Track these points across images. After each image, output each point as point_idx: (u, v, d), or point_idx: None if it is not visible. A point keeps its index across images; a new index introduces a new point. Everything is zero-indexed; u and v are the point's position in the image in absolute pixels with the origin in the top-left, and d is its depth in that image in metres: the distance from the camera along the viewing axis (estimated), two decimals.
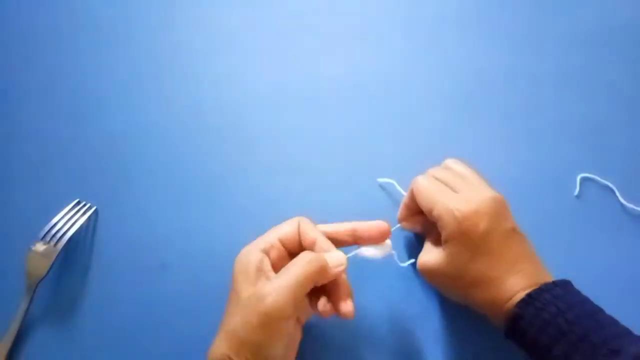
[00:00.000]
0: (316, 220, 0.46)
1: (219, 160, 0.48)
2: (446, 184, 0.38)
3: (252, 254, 0.35)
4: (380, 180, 0.46)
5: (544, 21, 0.54)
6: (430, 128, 0.49)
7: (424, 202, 0.38)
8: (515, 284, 0.34)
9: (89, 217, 0.45)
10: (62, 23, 0.56)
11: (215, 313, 0.42)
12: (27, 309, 0.42)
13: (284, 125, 0.50)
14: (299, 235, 0.36)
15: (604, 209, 0.45)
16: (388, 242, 0.38)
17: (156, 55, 0.54)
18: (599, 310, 0.32)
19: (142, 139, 0.50)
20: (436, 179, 0.39)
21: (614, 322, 0.32)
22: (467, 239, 0.35)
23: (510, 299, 0.34)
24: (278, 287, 0.32)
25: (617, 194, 0.45)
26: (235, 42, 0.54)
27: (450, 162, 0.41)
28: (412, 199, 0.40)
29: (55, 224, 0.44)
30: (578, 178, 0.45)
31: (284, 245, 0.36)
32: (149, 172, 0.48)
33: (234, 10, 0.56)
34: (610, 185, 0.45)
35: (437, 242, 0.38)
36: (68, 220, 0.44)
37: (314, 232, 0.36)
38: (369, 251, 0.38)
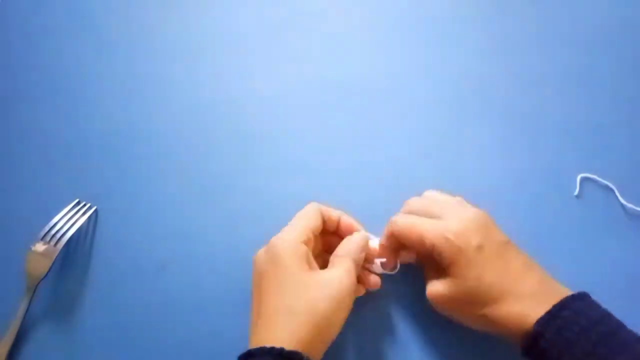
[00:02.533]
0: None
1: (219, 161, 0.48)
2: (425, 214, 0.38)
3: (299, 246, 0.36)
4: None
5: (543, 22, 0.54)
6: (430, 128, 0.49)
7: (411, 237, 0.37)
8: (530, 298, 0.33)
9: (89, 217, 0.45)
10: (62, 23, 0.56)
11: (215, 313, 0.42)
12: (27, 309, 0.42)
13: (284, 126, 0.50)
14: (324, 221, 0.40)
15: (604, 209, 0.45)
16: (377, 262, 0.40)
17: (156, 56, 0.54)
18: (621, 326, 0.32)
19: (143, 139, 0.50)
20: (412, 212, 0.39)
21: (637, 340, 0.31)
22: (465, 258, 0.34)
23: (529, 315, 0.32)
24: (345, 270, 0.36)
25: (617, 194, 0.45)
26: (235, 42, 0.54)
27: (426, 193, 0.41)
28: (391, 240, 0.39)
29: (55, 224, 0.44)
30: (578, 178, 0.45)
31: (314, 234, 0.39)
32: (149, 172, 0.48)
33: (235, 10, 0.56)
34: (610, 185, 0.45)
35: (439, 271, 0.37)
36: (68, 220, 0.44)
37: (334, 212, 0.41)
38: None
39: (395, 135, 0.49)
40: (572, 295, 0.33)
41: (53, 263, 0.42)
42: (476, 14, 0.54)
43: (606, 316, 0.32)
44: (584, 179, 0.46)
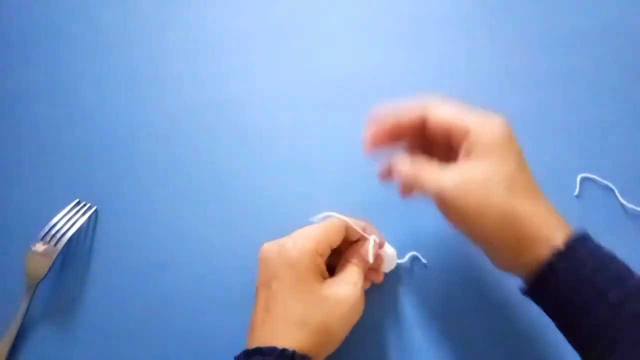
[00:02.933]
0: (317, 221, 0.46)
1: (219, 161, 0.48)
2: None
3: (316, 258, 0.36)
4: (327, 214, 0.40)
5: (543, 22, 0.54)
6: None
7: (452, 115, 0.35)
8: (549, 216, 0.32)
9: (89, 217, 0.45)
10: (62, 23, 0.56)
11: (214, 313, 0.42)
12: (27, 309, 0.42)
13: (284, 126, 0.50)
14: (346, 235, 0.39)
15: (604, 209, 0.45)
16: (381, 252, 0.40)
17: (156, 56, 0.54)
18: (628, 269, 0.31)
19: (142, 139, 0.50)
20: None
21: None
22: (513, 147, 0.33)
23: (551, 233, 0.31)
24: (359, 288, 0.36)
25: (617, 194, 0.45)
26: (234, 42, 0.54)
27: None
28: (414, 124, 0.35)
29: (55, 224, 0.44)
30: (578, 178, 0.45)
31: (330, 248, 0.38)
32: (149, 172, 0.48)
33: (235, 10, 0.56)
34: (610, 185, 0.45)
35: (455, 162, 0.34)
36: (68, 221, 0.44)
37: (358, 225, 0.39)
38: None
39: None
40: (583, 235, 0.32)
41: (53, 263, 0.42)
42: (476, 14, 0.54)
43: (614, 258, 0.32)
44: (584, 179, 0.46)
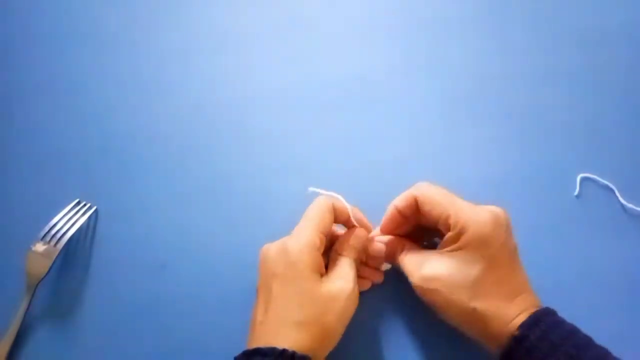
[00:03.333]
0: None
1: (219, 160, 0.48)
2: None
3: (314, 253, 0.36)
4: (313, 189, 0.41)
5: (544, 22, 0.54)
6: (430, 128, 0.49)
7: (437, 206, 0.37)
8: (520, 307, 0.33)
9: (89, 217, 0.45)
10: (62, 23, 0.56)
11: (215, 312, 0.42)
12: (27, 308, 0.42)
13: (285, 126, 0.50)
14: (335, 215, 0.39)
15: (604, 209, 0.45)
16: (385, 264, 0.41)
17: (156, 56, 0.54)
18: (591, 339, 0.32)
19: (142, 138, 0.50)
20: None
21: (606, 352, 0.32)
22: (487, 247, 0.34)
23: (514, 318, 0.33)
24: (352, 280, 0.36)
25: (617, 194, 0.45)
26: (235, 42, 0.54)
27: (418, 184, 0.40)
28: (410, 205, 0.38)
29: (55, 224, 0.44)
30: (578, 178, 0.45)
31: (325, 235, 0.38)
32: (149, 172, 0.48)
33: (235, 11, 0.56)
34: (610, 185, 0.45)
35: (433, 252, 0.37)
36: (68, 220, 0.44)
37: (346, 204, 0.39)
38: None
39: (394, 135, 0.49)
40: (547, 308, 0.34)
41: (53, 263, 0.42)
42: (476, 14, 0.54)
43: (576, 329, 0.33)
44: (584, 179, 0.46)
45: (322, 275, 0.36)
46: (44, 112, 0.51)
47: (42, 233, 0.43)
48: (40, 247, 0.43)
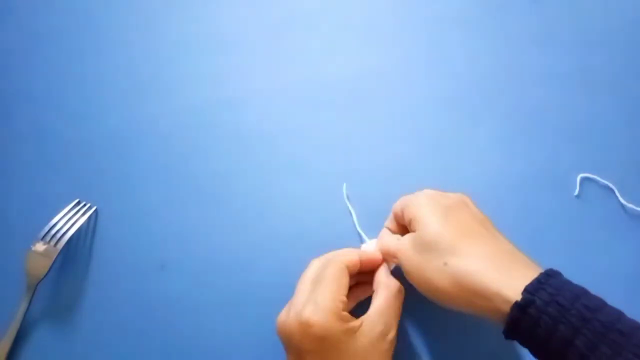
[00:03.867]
0: (317, 220, 0.46)
1: (219, 161, 0.48)
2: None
3: (340, 315, 0.34)
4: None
5: (544, 21, 0.54)
6: (431, 128, 0.49)
7: (398, 205, 0.39)
8: (521, 269, 0.31)
9: (89, 217, 0.45)
10: (62, 23, 0.56)
11: (214, 313, 0.42)
12: (27, 309, 0.42)
13: (284, 126, 0.50)
14: (359, 268, 0.38)
15: (604, 209, 0.45)
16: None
17: (156, 55, 0.54)
18: (601, 299, 0.30)
19: (142, 139, 0.50)
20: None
21: (620, 313, 0.29)
22: (432, 214, 0.35)
23: (506, 282, 0.31)
24: (381, 319, 0.35)
25: (617, 194, 0.45)
26: (235, 41, 0.54)
27: (425, 191, 0.40)
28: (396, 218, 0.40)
29: (55, 224, 0.44)
30: (578, 178, 0.45)
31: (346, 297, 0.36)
32: (148, 172, 0.48)
33: (235, 9, 0.56)
34: (610, 185, 0.45)
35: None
36: (68, 221, 0.44)
37: (354, 256, 0.38)
38: None
39: (394, 135, 0.49)
40: (550, 269, 0.31)
41: (53, 263, 0.42)
42: (477, 13, 0.54)
43: (585, 290, 0.30)
44: (584, 179, 0.46)
45: (353, 323, 0.34)
46: (44, 112, 0.51)
47: (42, 233, 0.43)
48: (40, 247, 0.43)
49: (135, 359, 0.41)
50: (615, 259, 0.43)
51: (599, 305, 0.29)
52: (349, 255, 0.37)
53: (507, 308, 0.30)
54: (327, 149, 0.48)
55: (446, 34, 0.53)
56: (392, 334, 0.35)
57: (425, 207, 0.36)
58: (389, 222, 0.41)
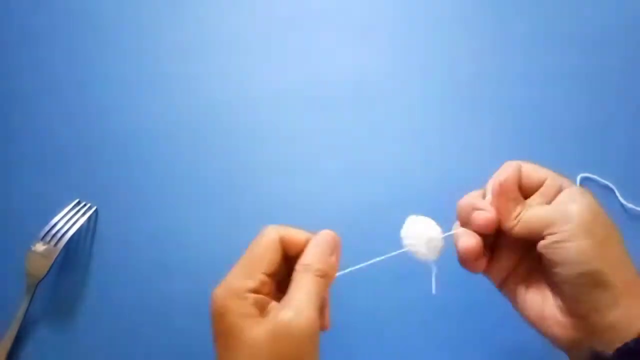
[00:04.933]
0: (317, 222, 0.46)
1: (220, 160, 0.48)
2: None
3: (244, 296, 0.28)
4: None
5: (543, 21, 0.53)
6: (431, 128, 0.49)
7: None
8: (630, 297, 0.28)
9: (89, 218, 0.45)
10: (63, 22, 0.56)
11: None
12: (27, 309, 0.42)
13: (285, 125, 0.50)
14: (287, 247, 0.31)
15: (604, 208, 0.45)
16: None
17: (157, 56, 0.54)
18: None
19: (143, 139, 0.50)
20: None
21: None
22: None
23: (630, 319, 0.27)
24: (299, 304, 0.27)
25: (617, 194, 0.45)
26: (237, 42, 0.54)
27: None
28: (514, 179, 0.32)
29: (55, 224, 0.44)
30: (578, 178, 0.45)
31: (269, 274, 0.30)
32: (149, 172, 0.48)
33: (238, 10, 0.56)
34: (610, 185, 0.45)
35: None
36: (68, 221, 0.44)
37: (299, 234, 0.31)
38: (420, 248, 0.32)
39: (395, 135, 0.49)
40: None
41: (53, 263, 0.42)
42: (477, 13, 0.54)
43: None
44: (584, 179, 0.46)
45: (252, 312, 0.28)
46: (44, 111, 0.51)
47: (42, 233, 0.43)
48: (40, 247, 0.43)
49: (134, 358, 0.41)
50: None
51: None
52: (291, 231, 0.31)
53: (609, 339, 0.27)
54: (328, 148, 0.48)
55: (447, 34, 0.53)
56: (309, 327, 0.26)
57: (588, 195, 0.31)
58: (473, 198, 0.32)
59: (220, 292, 0.29)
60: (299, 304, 0.27)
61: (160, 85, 0.52)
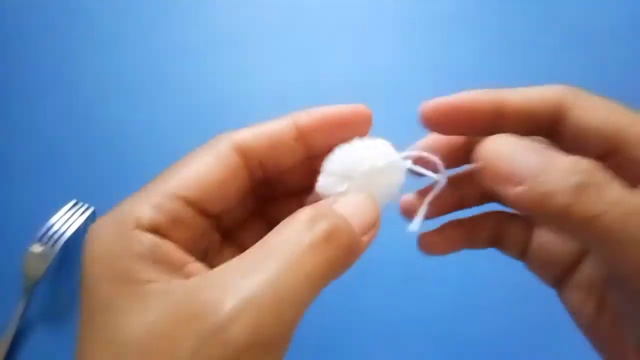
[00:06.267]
0: None
1: None
2: None
3: (122, 246, 0.17)
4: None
5: (543, 21, 0.53)
6: None
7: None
8: None
9: (87, 218, 0.45)
10: (61, 22, 0.56)
11: None
12: (24, 310, 0.42)
13: None
14: (258, 165, 0.20)
15: None
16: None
17: (155, 55, 0.54)
18: None
19: (140, 139, 0.49)
20: None
21: None
22: None
23: None
24: (251, 302, 0.15)
25: None
26: (235, 40, 0.54)
27: None
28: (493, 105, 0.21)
29: (53, 225, 0.44)
30: None
31: (203, 213, 0.18)
32: (146, 173, 0.47)
33: (235, 8, 0.56)
34: None
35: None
36: (65, 222, 0.44)
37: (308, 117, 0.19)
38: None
39: (395, 135, 0.49)
40: None
41: (50, 264, 0.42)
42: (477, 12, 0.54)
43: None
44: None
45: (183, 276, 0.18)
46: (41, 112, 0.51)
47: (39, 234, 0.43)
48: (37, 248, 0.43)
49: None
50: None
51: None
52: (264, 130, 0.20)
53: None
54: None
55: (447, 33, 0.53)
56: (269, 342, 0.16)
57: None
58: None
59: (96, 226, 0.17)
60: (254, 307, 0.14)
61: (159, 85, 0.52)
